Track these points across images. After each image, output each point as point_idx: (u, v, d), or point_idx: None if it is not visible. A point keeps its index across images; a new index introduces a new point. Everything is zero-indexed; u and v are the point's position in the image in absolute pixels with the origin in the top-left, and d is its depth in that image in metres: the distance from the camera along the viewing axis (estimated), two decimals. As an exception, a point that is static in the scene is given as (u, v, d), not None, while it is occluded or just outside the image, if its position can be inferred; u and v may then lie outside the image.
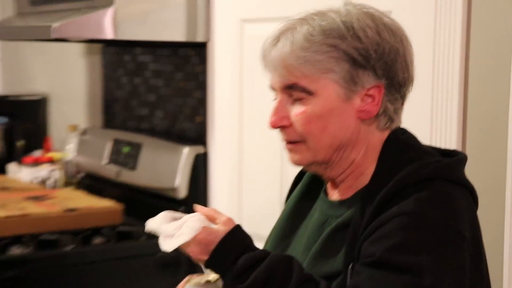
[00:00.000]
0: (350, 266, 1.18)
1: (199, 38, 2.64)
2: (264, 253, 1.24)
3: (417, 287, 1.08)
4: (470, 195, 1.25)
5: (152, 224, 1.28)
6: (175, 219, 1.36)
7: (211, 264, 1.22)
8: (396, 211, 1.14)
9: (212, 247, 1.20)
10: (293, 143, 1.29)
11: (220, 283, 1.35)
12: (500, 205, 1.72)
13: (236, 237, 1.23)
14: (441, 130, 1.89)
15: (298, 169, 1.57)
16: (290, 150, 1.31)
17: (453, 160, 1.29)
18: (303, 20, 1.25)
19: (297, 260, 1.24)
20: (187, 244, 1.21)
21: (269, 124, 1.31)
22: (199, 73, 2.80)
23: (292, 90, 1.24)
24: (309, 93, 1.23)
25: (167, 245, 1.24)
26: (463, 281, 1.14)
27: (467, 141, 1.85)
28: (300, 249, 1.38)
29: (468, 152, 1.69)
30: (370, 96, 1.24)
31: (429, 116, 1.89)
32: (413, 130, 1.47)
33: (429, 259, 1.10)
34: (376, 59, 1.22)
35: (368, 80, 1.22)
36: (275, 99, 1.33)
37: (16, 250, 2.53)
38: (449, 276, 1.11)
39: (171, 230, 1.24)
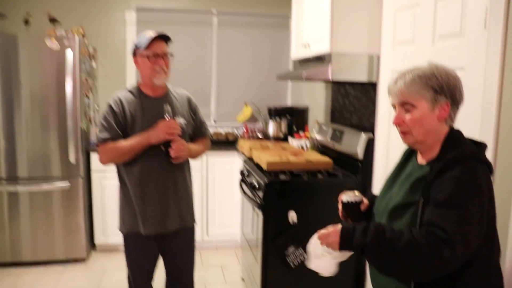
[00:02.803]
0: (422, 200, 1.44)
1: (374, 80, 3.24)
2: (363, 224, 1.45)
3: (462, 215, 1.32)
4: (487, 169, 1.46)
5: (310, 247, 1.54)
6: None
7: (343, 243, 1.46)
8: (449, 176, 1.38)
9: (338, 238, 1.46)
10: (404, 133, 1.55)
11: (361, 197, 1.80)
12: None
13: (345, 228, 1.47)
14: (487, 129, 2.09)
15: (404, 146, 1.78)
16: (403, 137, 1.58)
17: (479, 148, 1.50)
18: (407, 72, 1.53)
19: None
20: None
21: (392, 122, 1.56)
22: (373, 96, 3.40)
23: (405, 105, 1.50)
24: (414, 106, 1.49)
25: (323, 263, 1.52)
26: (483, 214, 1.38)
27: (499, 136, 2.05)
28: (399, 182, 1.67)
29: (499, 144, 2.03)
30: (443, 108, 1.50)
31: (479, 122, 2.13)
32: (469, 128, 1.87)
33: (467, 201, 1.34)
34: (446, 89, 1.50)
35: (442, 100, 1.50)
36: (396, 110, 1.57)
37: (282, 176, 3.27)
38: (477, 209, 1.36)
39: (319, 252, 1.51)
